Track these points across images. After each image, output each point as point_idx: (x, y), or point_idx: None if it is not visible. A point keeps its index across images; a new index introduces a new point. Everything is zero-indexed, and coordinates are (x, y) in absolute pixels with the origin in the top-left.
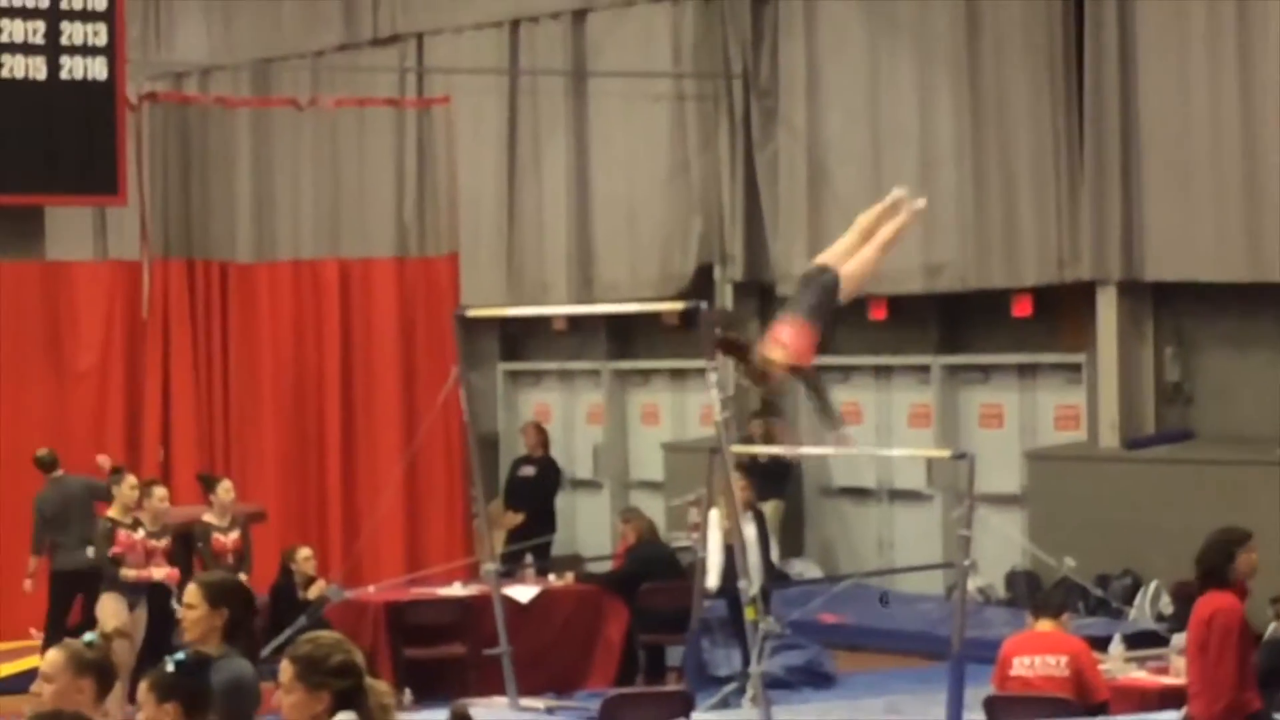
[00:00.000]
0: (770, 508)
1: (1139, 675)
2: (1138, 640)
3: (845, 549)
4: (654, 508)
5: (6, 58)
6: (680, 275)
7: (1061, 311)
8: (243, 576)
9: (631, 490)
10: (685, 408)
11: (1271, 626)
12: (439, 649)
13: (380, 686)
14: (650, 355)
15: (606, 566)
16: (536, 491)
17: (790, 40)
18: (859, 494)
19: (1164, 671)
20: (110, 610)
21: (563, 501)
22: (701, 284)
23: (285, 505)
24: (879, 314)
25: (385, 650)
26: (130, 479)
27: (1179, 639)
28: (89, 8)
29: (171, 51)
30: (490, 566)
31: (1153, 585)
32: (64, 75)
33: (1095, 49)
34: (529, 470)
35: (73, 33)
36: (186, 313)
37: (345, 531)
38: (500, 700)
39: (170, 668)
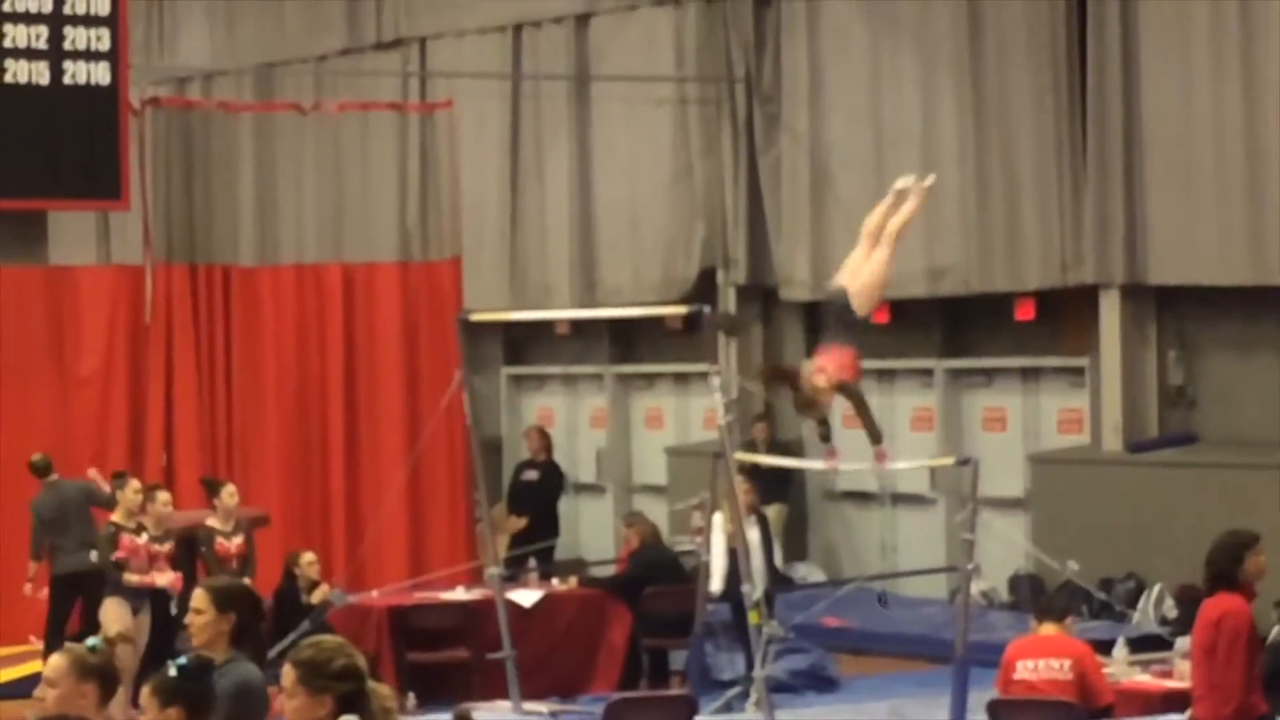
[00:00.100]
0: (773, 511)
1: (1143, 679)
2: (1141, 644)
3: (848, 553)
4: (657, 512)
5: (10, 63)
6: (683, 279)
7: (1064, 315)
8: (246, 581)
9: (635, 494)
10: (688, 412)
11: (1276, 630)
12: (442, 653)
13: (383, 690)
14: (653, 359)
15: (610, 571)
16: (539, 496)
17: (793, 44)
18: (862, 498)
19: (1168, 675)
20: (114, 615)
21: (566, 506)
22: (704, 288)
23: (288, 509)
24: (881, 318)
25: (389, 654)
26: (134, 483)
27: (1183, 642)
28: (92, 13)
29: (174, 56)
30: (493, 571)
31: (1156, 588)
32: (67, 80)
33: (1098, 51)
34: (532, 474)
35: (76, 38)
36: (189, 317)
37: (348, 536)
38: (503, 704)
39: (173, 672)
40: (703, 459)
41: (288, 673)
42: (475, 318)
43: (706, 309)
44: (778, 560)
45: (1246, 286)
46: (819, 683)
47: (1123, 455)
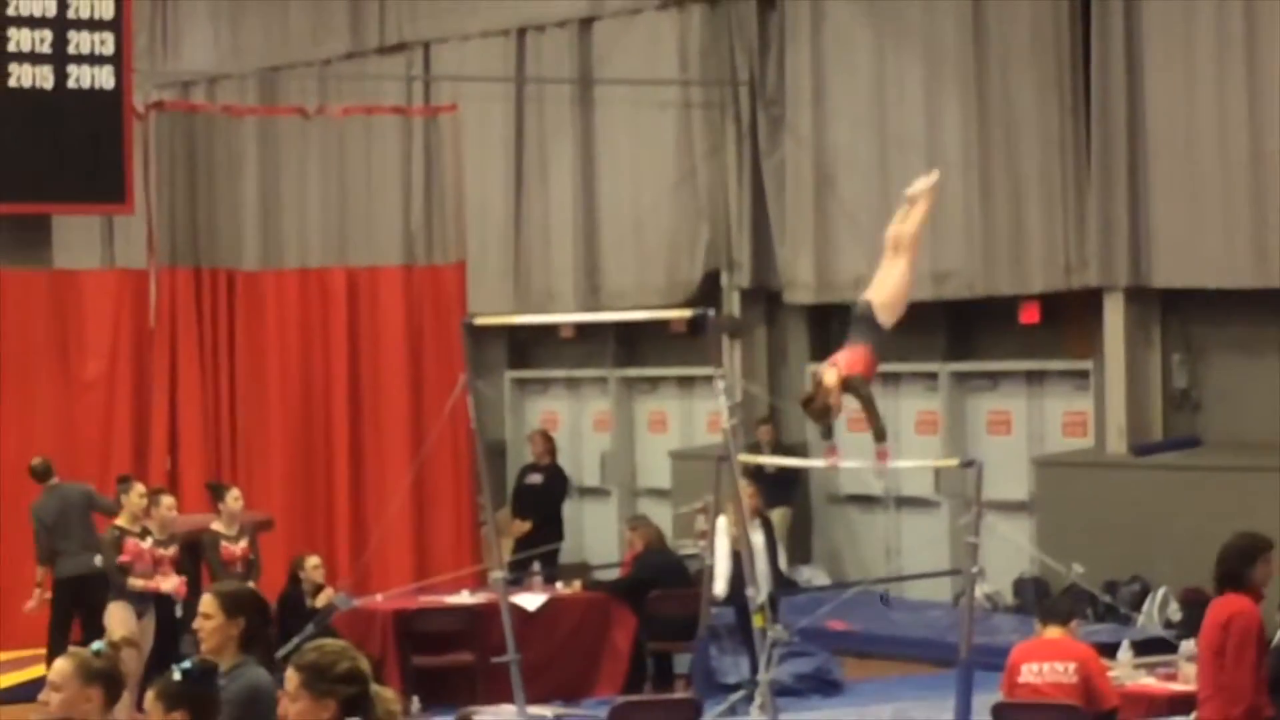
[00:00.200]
0: (778, 515)
1: (1148, 682)
2: (1146, 647)
3: (853, 556)
4: (661, 515)
5: (14, 67)
6: (687, 282)
7: (1069, 318)
8: (251, 585)
9: (639, 498)
10: (692, 415)
11: None
12: (447, 657)
13: (387, 694)
14: (657, 362)
15: (614, 574)
16: (544, 499)
17: (797, 47)
18: (866, 501)
19: (1173, 678)
20: (118, 619)
21: (570, 509)
22: (708, 291)
23: (293, 513)
24: None
25: (393, 658)
26: (138, 487)
27: (1188, 645)
28: (96, 17)
29: (178, 60)
30: (498, 574)
31: (1161, 591)
32: (71, 84)
33: (1101, 54)
34: (536, 478)
35: (80, 42)
36: (194, 321)
37: (353, 539)
38: (508, 708)
39: (177, 676)
40: (707, 462)
41: (291, 676)
42: (479, 321)
43: (710, 312)
44: (782, 564)
45: (1250, 289)
46: (823, 686)
47: (1127, 458)
